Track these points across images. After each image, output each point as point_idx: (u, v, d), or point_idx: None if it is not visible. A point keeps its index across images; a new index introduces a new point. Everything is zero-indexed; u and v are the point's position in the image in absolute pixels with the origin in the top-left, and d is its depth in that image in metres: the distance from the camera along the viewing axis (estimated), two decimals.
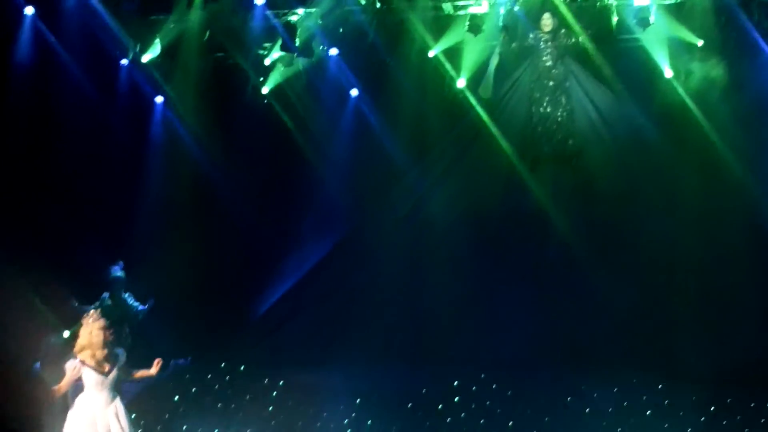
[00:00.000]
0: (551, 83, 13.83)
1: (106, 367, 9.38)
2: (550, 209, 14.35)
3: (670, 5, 13.50)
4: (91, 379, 9.39)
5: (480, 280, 14.43)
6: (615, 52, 13.84)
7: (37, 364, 11.70)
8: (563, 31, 13.65)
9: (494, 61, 13.90)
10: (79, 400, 9.49)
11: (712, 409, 12.94)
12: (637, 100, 14.18)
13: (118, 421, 9.42)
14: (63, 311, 12.48)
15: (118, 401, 9.49)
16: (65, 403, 9.86)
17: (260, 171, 15.03)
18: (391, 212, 14.90)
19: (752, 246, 13.77)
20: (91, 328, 9.40)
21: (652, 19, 13.37)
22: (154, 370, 9.62)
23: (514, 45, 13.83)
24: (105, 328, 9.41)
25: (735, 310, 13.67)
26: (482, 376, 13.16)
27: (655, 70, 13.92)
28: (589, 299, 14.06)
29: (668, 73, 13.87)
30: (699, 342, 13.48)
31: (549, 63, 13.77)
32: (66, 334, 12.19)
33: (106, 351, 9.37)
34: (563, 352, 13.84)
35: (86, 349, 9.37)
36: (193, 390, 12.36)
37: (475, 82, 14.22)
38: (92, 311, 9.78)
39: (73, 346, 9.57)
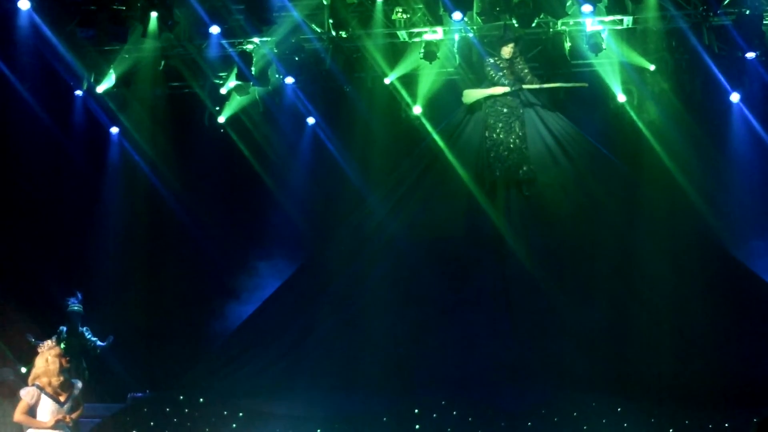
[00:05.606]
0: (505, 110, 13.89)
1: (63, 396, 9.25)
2: (508, 231, 14.36)
3: (622, 30, 13.65)
4: (47, 409, 9.26)
5: (440, 303, 14.39)
6: (568, 77, 13.94)
7: None
8: (519, 58, 13.72)
9: None
10: None
11: (671, 430, 12.96)
12: (591, 124, 14.31)
13: None
14: (18, 345, 12.33)
15: None
16: None
17: (218, 200, 15.01)
18: (350, 238, 14.87)
19: (710, 263, 13.87)
20: (47, 356, 9.28)
21: (604, 44, 13.50)
22: None
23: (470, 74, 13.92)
24: (61, 356, 9.30)
25: (695, 329, 13.69)
26: (443, 403, 13.11)
27: (608, 94, 14.07)
28: (549, 320, 14.05)
29: (621, 97, 14.04)
30: (658, 361, 13.55)
31: (505, 90, 13.81)
32: (23, 369, 12.01)
33: (62, 378, 9.25)
34: (523, 373, 13.83)
35: (42, 376, 9.24)
36: (152, 424, 12.18)
37: (430, 108, 14.29)
38: (48, 341, 9.67)
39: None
